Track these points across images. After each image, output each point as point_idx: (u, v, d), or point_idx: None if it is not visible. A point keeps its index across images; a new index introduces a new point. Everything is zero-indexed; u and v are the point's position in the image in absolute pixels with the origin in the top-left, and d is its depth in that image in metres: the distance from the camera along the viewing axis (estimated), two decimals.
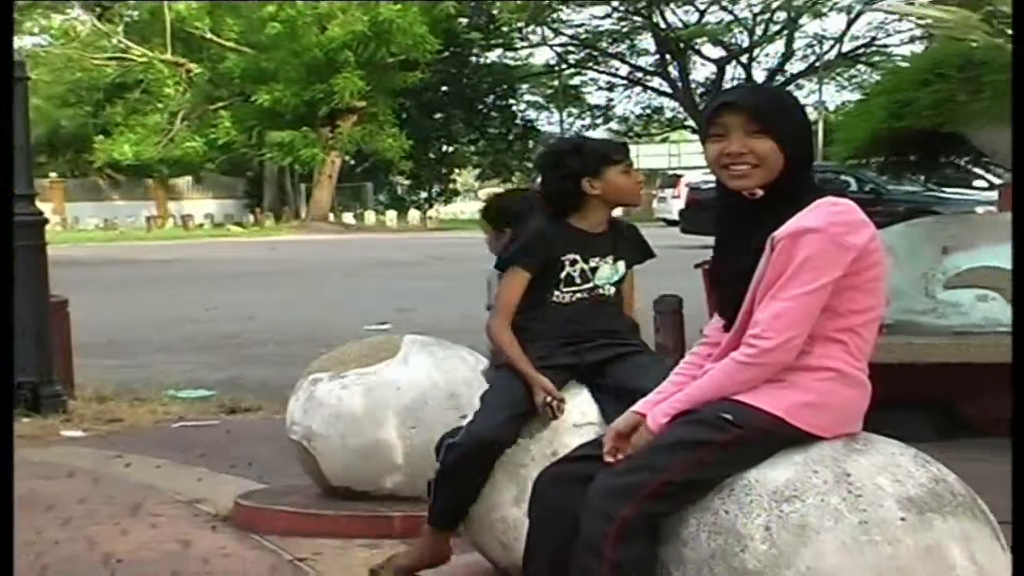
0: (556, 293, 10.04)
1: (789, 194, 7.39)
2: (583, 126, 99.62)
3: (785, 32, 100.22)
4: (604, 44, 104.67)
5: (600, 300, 10.10)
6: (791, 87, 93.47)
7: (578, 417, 9.50)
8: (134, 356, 22.81)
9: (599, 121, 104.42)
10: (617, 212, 10.93)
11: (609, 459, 7.32)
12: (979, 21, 17.59)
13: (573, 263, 10.06)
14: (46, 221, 19.40)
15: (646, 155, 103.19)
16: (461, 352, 10.81)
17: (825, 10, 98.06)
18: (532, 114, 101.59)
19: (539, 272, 10.02)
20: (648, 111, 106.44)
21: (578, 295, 10.07)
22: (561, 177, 10.24)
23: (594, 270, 10.07)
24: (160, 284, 43.09)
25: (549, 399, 9.57)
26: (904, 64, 19.77)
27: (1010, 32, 17.22)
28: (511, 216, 11.05)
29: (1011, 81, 2.82)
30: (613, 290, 10.14)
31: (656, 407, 7.38)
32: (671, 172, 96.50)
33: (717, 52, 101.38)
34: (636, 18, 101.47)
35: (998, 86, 16.51)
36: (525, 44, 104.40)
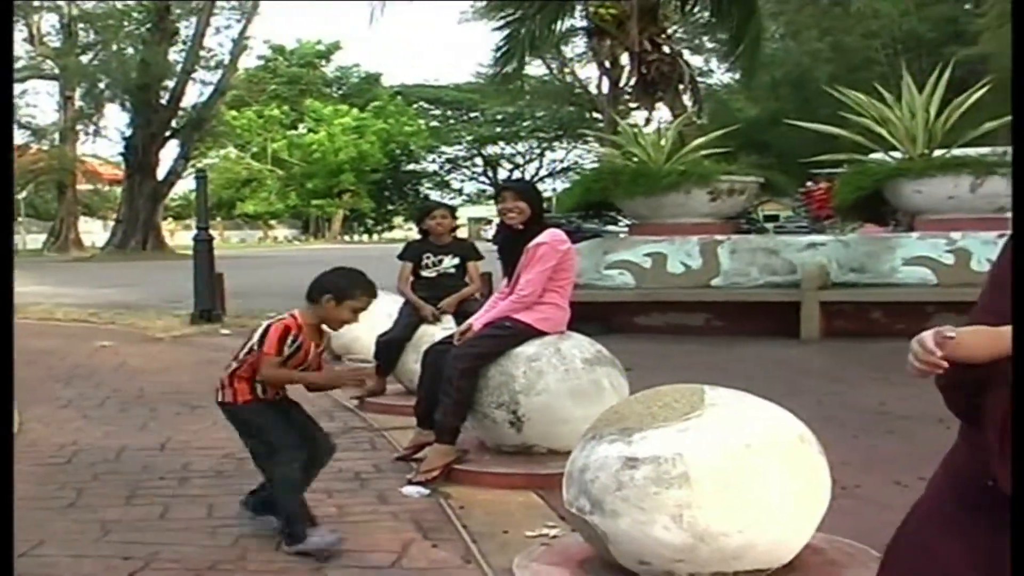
0: (424, 271, 10.14)
1: (533, 228, 7.52)
2: (450, 198, 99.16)
3: (539, 156, 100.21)
4: (459, 161, 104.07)
5: (445, 274, 10.17)
6: (533, 181, 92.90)
7: (445, 325, 9.51)
8: (251, 298, 22.51)
9: (456, 196, 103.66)
10: (463, 233, 11.15)
11: (457, 343, 7.36)
12: (619, 155, 17.56)
13: (428, 257, 10.19)
14: (213, 239, 19.26)
15: (479, 210, 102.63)
16: (395, 297, 10.75)
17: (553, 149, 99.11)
18: (429, 192, 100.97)
19: (415, 261, 10.17)
20: (479, 192, 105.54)
21: (434, 272, 10.15)
22: (416, 219, 10.70)
23: (440, 261, 10.16)
24: (263, 267, 42.60)
25: (432, 315, 9.89)
26: (588, 172, 19.69)
27: (634, 160, 17.28)
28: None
29: (1012, 83, 2.49)
30: (454, 270, 10.18)
31: (477, 320, 7.45)
32: (490, 218, 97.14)
33: (509, 166, 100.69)
34: (474, 151, 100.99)
35: (625, 182, 16.58)
36: (425, 160, 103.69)
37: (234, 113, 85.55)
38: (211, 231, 19.70)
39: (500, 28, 24.56)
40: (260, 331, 5.91)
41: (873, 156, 16.83)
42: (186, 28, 61.82)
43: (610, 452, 4.59)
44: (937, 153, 15.83)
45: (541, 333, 7.39)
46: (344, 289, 6.01)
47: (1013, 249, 2.27)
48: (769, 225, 41.42)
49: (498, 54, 24.21)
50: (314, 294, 5.95)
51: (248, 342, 6.00)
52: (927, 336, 2.42)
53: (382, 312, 11.03)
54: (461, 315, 8.94)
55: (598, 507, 4.59)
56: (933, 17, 52.80)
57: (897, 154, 16.22)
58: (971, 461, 2.44)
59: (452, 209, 10.94)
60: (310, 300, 5.96)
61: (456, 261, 10.30)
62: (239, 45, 62.85)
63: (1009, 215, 12.85)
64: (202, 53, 62.31)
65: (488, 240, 9.95)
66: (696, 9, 27.07)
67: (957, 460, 2.55)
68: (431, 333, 9.34)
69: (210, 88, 63.33)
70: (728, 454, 4.50)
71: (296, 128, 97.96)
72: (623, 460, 4.53)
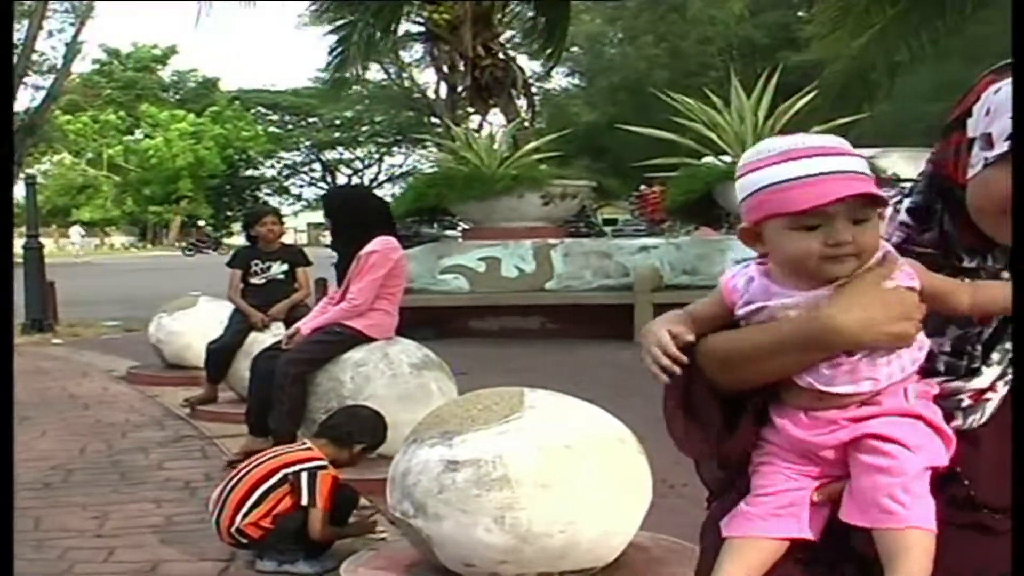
0: (253, 278, 10.11)
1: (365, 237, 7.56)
2: (289, 203, 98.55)
3: (377, 161, 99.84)
4: (298, 167, 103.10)
5: (274, 281, 10.15)
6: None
7: (274, 331, 9.43)
8: (85, 306, 22.16)
9: (296, 202, 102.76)
10: (290, 239, 11.12)
11: (287, 348, 7.38)
12: (454, 161, 17.57)
13: (256, 264, 10.18)
14: (43, 246, 19.03)
15: (319, 216, 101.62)
16: (227, 304, 10.63)
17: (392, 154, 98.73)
18: (268, 198, 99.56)
19: (244, 268, 10.12)
20: (318, 197, 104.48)
21: (263, 278, 10.13)
22: (245, 224, 10.75)
23: (268, 267, 10.16)
24: (98, 274, 42.02)
25: (262, 322, 9.85)
26: (424, 177, 19.71)
27: (468, 164, 17.30)
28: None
29: (1012, 82, 2.42)
30: (283, 276, 10.19)
31: (306, 324, 7.49)
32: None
33: (348, 171, 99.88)
34: (312, 156, 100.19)
35: (459, 186, 16.66)
36: (264, 166, 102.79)
37: (68, 118, 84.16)
38: (45, 239, 19.50)
39: (334, 32, 24.51)
40: (304, 479, 5.48)
41: (705, 160, 17.09)
42: (17, 31, 60.64)
43: (431, 456, 4.62)
44: None
45: (370, 339, 7.43)
46: (380, 440, 6.14)
47: (1013, 249, 2.31)
48: (608, 228, 41.80)
49: (332, 58, 24.15)
50: (345, 439, 5.87)
51: (261, 482, 5.54)
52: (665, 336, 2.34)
53: (213, 319, 10.96)
54: (291, 321, 8.88)
55: (421, 511, 4.61)
56: (767, 23, 53.68)
57: (727, 158, 16.49)
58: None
59: (280, 215, 10.94)
60: (335, 441, 5.86)
61: (285, 267, 10.30)
62: (72, 49, 61.50)
63: None
64: (34, 57, 61.09)
65: (327, 246, 10.03)
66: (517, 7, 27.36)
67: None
68: (262, 340, 9.24)
69: (43, 93, 62.07)
70: (548, 455, 4.55)
71: (132, 133, 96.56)
72: (444, 463, 4.56)
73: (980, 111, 2.27)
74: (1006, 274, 2.33)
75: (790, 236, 2.19)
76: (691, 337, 2.30)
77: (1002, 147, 2.20)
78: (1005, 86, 2.24)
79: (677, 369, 2.29)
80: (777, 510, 2.31)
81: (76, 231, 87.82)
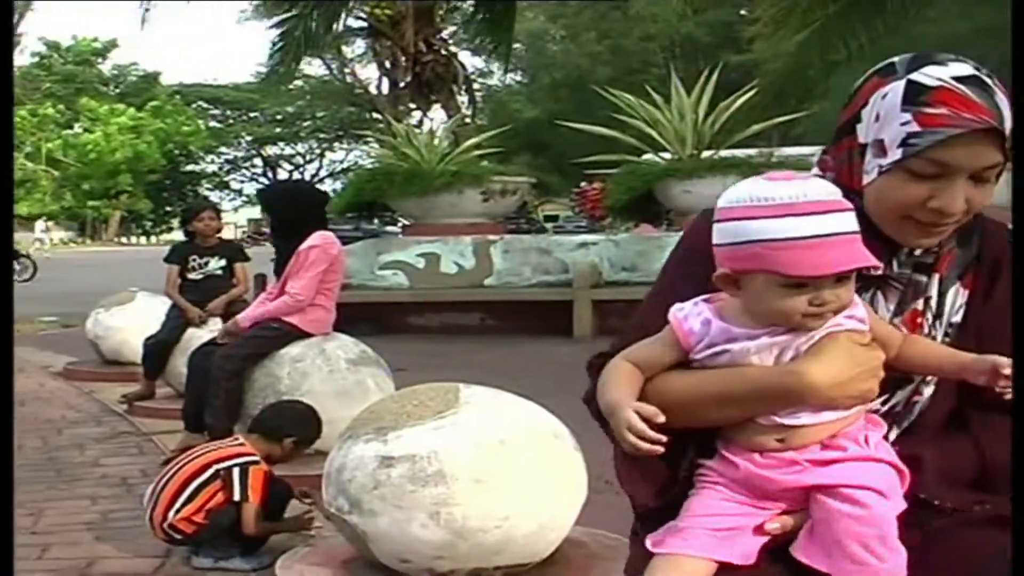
0: (190, 273, 10.08)
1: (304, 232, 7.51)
2: (230, 199, 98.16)
3: (319, 156, 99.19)
4: (239, 162, 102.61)
5: (212, 276, 10.15)
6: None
7: (212, 327, 9.40)
8: (22, 302, 21.94)
9: (237, 197, 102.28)
10: (230, 235, 11.07)
11: (220, 341, 7.41)
12: (395, 156, 17.53)
13: (194, 259, 10.18)
14: None
15: (257, 212, 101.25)
16: (164, 299, 10.57)
17: (333, 149, 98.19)
18: (208, 193, 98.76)
19: (181, 264, 10.08)
20: (256, 193, 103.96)
21: (200, 273, 10.12)
22: (183, 221, 10.64)
23: (206, 263, 10.16)
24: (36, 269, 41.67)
25: (199, 318, 9.85)
26: (364, 172, 19.71)
27: (408, 160, 17.27)
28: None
29: (1012, 80, 2.37)
30: (221, 271, 10.18)
31: (245, 318, 7.48)
32: None
33: (289, 167, 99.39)
34: (253, 151, 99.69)
35: (399, 182, 16.64)
36: (204, 161, 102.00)
37: None
38: None
39: (276, 26, 24.47)
40: (235, 474, 5.45)
41: (646, 157, 17.17)
42: None
43: (366, 451, 4.60)
44: (706, 154, 16.22)
45: (307, 335, 7.42)
46: (312, 434, 6.10)
47: (1013, 251, 2.31)
48: (548, 225, 41.79)
49: (273, 53, 24.12)
50: (275, 433, 5.86)
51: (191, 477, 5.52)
52: (635, 419, 2.22)
53: (151, 315, 10.89)
54: (229, 317, 8.84)
55: (356, 507, 4.60)
56: (709, 21, 53.99)
57: (668, 155, 16.57)
58: None
59: (219, 210, 10.87)
60: (265, 436, 5.85)
61: (223, 263, 10.28)
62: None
63: None
64: None
65: (268, 241, 10.08)
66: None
67: None
68: (199, 336, 9.19)
69: None
70: (483, 451, 4.54)
71: (72, 127, 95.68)
72: (379, 459, 4.54)
73: (869, 116, 2.31)
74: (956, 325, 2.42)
75: (778, 292, 2.18)
76: (662, 419, 2.21)
77: (895, 154, 2.24)
78: (891, 90, 2.27)
79: (660, 449, 2.20)
80: (712, 532, 2.27)
81: (39, 226, 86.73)
